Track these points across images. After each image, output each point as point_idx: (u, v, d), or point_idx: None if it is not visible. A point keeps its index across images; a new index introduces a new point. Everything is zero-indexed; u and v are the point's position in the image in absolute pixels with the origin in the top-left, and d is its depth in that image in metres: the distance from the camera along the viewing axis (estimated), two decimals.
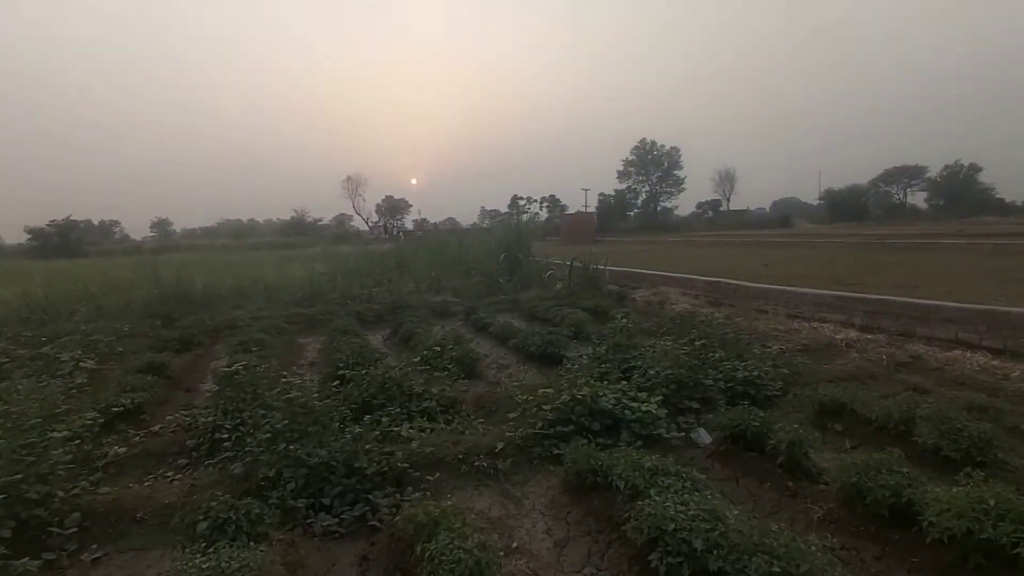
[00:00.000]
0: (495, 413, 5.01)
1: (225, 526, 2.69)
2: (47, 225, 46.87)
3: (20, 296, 10.95)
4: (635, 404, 4.36)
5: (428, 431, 4.32)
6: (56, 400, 4.27)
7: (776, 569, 2.30)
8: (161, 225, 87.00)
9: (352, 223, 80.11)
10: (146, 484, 3.82)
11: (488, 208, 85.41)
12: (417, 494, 3.48)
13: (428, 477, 3.74)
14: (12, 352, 6.74)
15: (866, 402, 4.39)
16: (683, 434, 4.35)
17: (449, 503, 2.98)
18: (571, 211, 62.05)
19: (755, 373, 5.09)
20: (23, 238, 47.40)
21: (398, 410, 4.54)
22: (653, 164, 76.93)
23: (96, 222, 74.39)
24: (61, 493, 3.27)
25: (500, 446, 4.07)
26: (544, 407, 4.33)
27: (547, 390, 4.56)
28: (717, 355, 5.49)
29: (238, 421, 4.21)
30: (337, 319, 9.47)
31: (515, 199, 78.89)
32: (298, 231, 63.23)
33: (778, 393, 5.13)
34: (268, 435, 3.53)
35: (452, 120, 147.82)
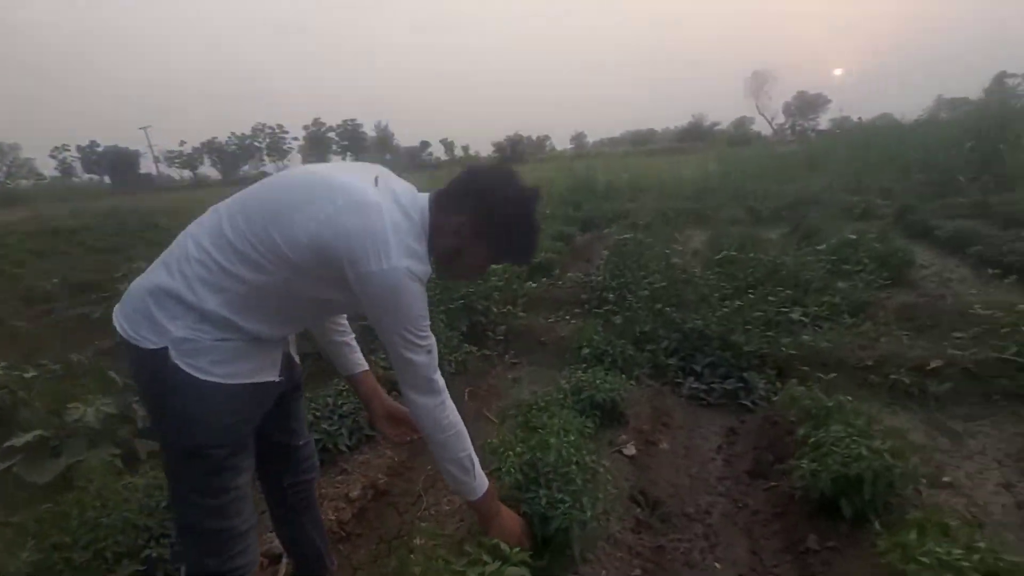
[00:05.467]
0: (930, 329, 3.73)
1: (603, 356, 2.90)
2: (504, 140, 61.21)
3: None
4: None
5: (826, 327, 3.57)
6: None
7: None
8: (578, 138, 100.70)
9: (753, 126, 73.22)
10: (550, 320, 4.57)
11: (948, 97, 62.77)
12: (801, 388, 2.94)
13: (819, 375, 3.09)
14: None
15: None
16: None
17: (849, 402, 2.37)
18: None
19: None
20: (489, 150, 63.37)
21: (789, 300, 3.90)
22: None
23: (534, 137, 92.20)
24: (495, 309, 4.22)
25: (936, 364, 3.01)
26: None
27: None
28: None
29: (622, 282, 4.47)
30: (726, 212, 8.90)
31: (1001, 76, 55.08)
32: (694, 136, 62.21)
33: None
34: (646, 293, 3.59)
35: None
